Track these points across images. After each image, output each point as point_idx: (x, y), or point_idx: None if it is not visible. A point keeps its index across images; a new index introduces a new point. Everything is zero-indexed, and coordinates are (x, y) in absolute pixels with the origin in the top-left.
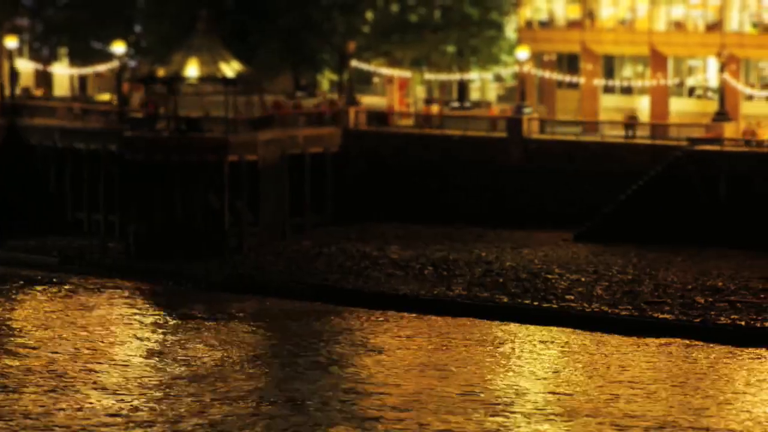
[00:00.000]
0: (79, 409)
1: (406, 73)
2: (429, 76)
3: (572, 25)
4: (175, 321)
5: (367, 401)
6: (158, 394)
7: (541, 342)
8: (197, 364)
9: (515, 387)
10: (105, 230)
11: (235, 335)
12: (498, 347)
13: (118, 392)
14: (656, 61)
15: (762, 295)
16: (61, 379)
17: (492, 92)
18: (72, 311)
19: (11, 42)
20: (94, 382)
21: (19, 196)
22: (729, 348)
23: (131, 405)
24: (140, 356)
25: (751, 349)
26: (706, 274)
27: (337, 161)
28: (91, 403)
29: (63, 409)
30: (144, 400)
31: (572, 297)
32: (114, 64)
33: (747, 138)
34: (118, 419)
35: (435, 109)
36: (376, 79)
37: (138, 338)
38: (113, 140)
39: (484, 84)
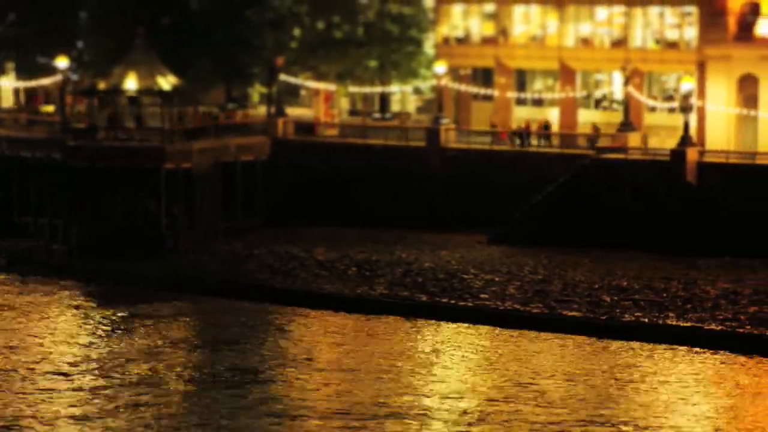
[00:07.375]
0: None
1: (331, 86)
2: (353, 88)
3: (487, 41)
4: (113, 318)
5: (287, 399)
6: (94, 383)
7: (456, 338)
8: (131, 358)
9: (431, 381)
10: (50, 233)
11: (169, 331)
12: (416, 344)
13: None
14: (565, 74)
15: (664, 294)
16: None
17: (411, 104)
18: (19, 308)
19: None
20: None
21: None
22: (632, 343)
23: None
24: (79, 348)
25: (653, 345)
26: (611, 274)
27: (266, 168)
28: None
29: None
30: (77, 397)
31: (487, 296)
32: (58, 77)
33: None
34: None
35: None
36: (303, 92)
37: (76, 334)
38: (57, 149)
39: (404, 96)
